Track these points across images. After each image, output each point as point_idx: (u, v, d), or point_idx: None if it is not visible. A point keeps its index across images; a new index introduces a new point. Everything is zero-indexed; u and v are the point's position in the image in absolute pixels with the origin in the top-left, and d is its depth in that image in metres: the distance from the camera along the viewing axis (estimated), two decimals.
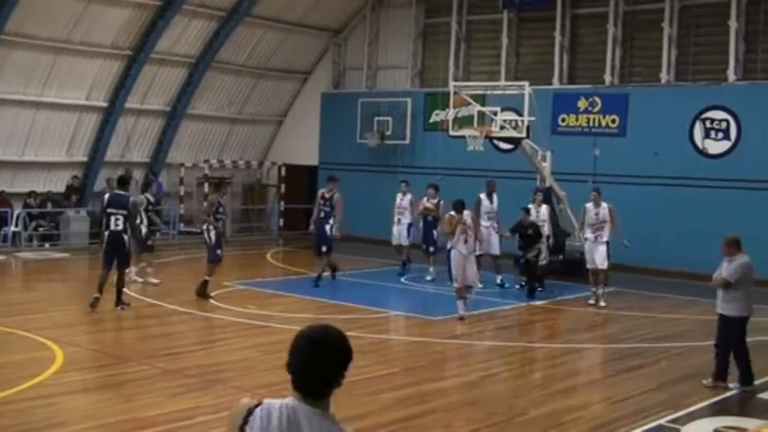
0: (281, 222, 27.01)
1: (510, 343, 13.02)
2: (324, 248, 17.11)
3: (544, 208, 17.62)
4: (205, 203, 17.14)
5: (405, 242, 19.07)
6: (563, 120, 21.91)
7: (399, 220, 19.06)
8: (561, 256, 18.76)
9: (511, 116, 19.54)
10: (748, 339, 10.43)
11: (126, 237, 14.03)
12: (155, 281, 16.66)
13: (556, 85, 22.31)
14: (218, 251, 15.39)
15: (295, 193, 26.70)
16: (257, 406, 3.21)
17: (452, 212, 14.47)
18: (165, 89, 24.11)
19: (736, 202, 18.96)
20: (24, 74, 21.13)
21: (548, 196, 18.58)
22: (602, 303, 15.89)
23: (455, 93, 19.59)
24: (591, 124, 21.53)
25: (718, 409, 9.71)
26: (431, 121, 24.10)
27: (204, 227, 15.70)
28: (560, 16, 22.39)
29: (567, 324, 15.18)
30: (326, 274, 17.40)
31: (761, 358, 10.81)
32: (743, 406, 10.04)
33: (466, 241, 14.33)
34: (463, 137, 18.95)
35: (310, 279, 17.21)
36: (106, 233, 14.01)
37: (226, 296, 15.47)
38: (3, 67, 20.70)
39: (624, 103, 21.13)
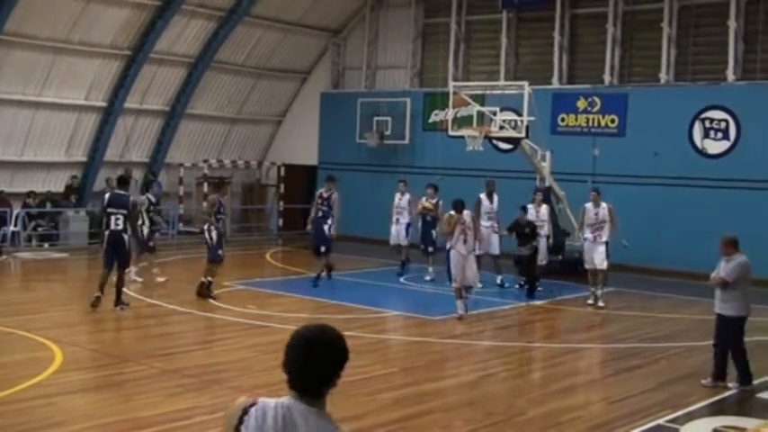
0: (281, 222, 27.01)
1: (509, 343, 13.02)
2: (323, 248, 17.13)
3: (544, 208, 17.64)
4: (206, 203, 17.15)
5: (403, 242, 19.03)
6: (562, 120, 21.91)
7: (398, 219, 19.01)
8: (560, 257, 18.78)
9: (510, 116, 19.54)
10: (747, 339, 10.45)
11: (126, 236, 14.04)
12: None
13: (555, 85, 22.30)
14: (220, 251, 15.40)
15: (294, 193, 26.70)
16: (253, 405, 3.21)
17: (452, 212, 14.49)
18: (164, 89, 24.10)
19: (736, 202, 18.96)
20: (23, 74, 21.12)
21: (547, 196, 18.59)
22: (600, 303, 15.89)
23: (454, 93, 19.58)
24: (590, 124, 21.53)
25: (717, 409, 9.72)
26: (430, 121, 24.08)
27: (205, 227, 15.69)
28: (559, 16, 22.39)
29: (566, 324, 15.18)
30: (325, 273, 17.42)
31: (759, 358, 10.83)
32: (742, 406, 10.04)
33: (465, 241, 14.34)
34: (462, 137, 18.94)
35: (309, 279, 17.21)
36: (106, 233, 14.02)
37: (225, 296, 15.47)
38: (2, 67, 20.69)
39: (623, 103, 21.13)
